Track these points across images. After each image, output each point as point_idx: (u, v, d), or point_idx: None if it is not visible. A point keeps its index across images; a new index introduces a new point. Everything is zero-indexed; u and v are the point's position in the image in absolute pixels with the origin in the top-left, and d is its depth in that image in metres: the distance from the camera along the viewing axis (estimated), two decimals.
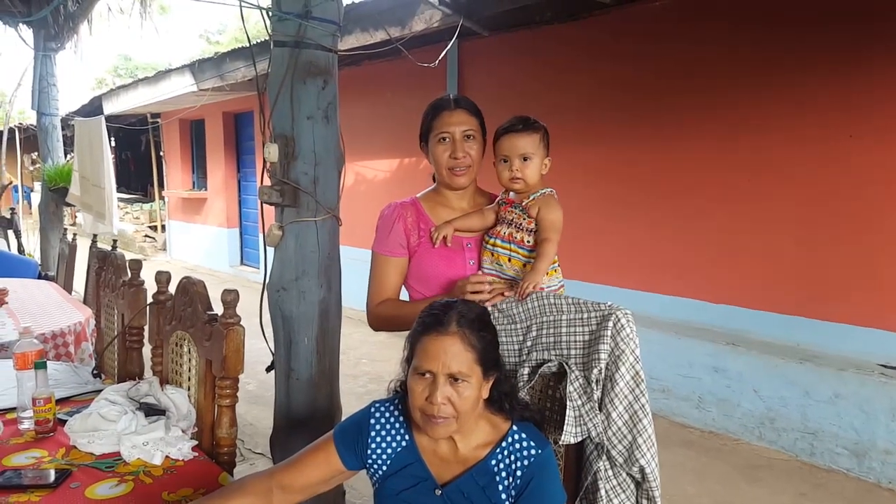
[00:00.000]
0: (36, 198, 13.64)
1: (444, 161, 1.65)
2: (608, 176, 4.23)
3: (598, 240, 4.23)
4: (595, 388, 1.35)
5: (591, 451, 1.38)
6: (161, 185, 11.04)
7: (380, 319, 1.72)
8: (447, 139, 1.65)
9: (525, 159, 1.58)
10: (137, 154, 13.28)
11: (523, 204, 1.59)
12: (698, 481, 3.10)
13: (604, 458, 1.35)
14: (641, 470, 1.33)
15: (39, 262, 5.51)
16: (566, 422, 1.33)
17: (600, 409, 1.35)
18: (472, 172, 1.68)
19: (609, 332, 1.35)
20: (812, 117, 3.34)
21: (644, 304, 3.99)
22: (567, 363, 1.39)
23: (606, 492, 1.34)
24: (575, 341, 1.41)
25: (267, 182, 2.09)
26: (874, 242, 3.17)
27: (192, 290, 1.73)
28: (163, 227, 11.27)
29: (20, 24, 5.65)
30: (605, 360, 1.35)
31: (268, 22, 2.08)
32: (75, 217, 12.05)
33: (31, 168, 14.39)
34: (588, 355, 1.38)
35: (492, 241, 1.62)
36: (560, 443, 1.35)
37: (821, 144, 3.32)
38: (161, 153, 10.78)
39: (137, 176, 13.86)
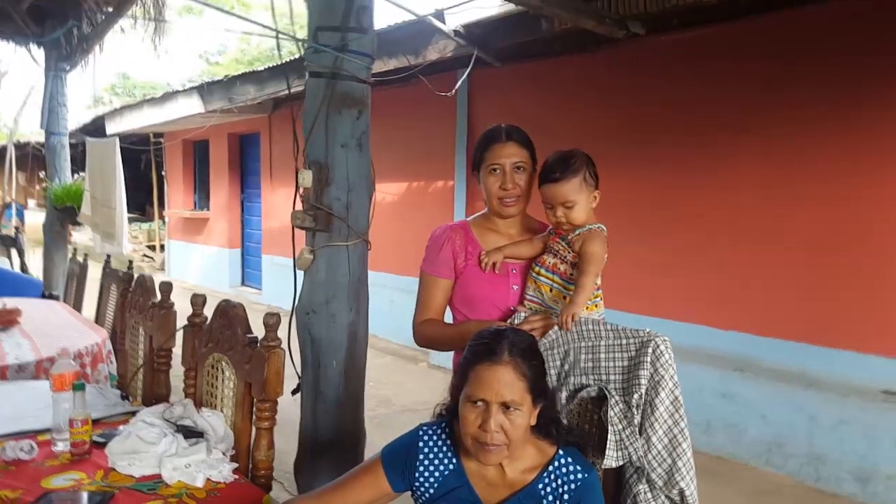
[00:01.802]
0: (28, 215, 13.58)
1: (494, 191, 1.71)
2: (615, 204, 4.29)
3: (607, 266, 4.28)
4: (635, 412, 1.39)
5: (630, 474, 1.42)
6: (161, 205, 11.04)
7: (423, 338, 1.78)
8: (498, 170, 1.70)
9: (567, 205, 1.62)
10: (136, 173, 13.27)
11: (569, 237, 1.64)
12: None
13: (644, 481, 1.39)
14: (681, 493, 1.37)
15: (42, 280, 5.49)
16: (608, 446, 1.37)
17: (640, 434, 1.39)
18: (522, 203, 1.74)
19: (648, 359, 1.40)
20: (822, 146, 3.40)
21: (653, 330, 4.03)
22: (606, 388, 1.44)
23: None
24: (614, 367, 1.45)
25: (299, 207, 2.15)
26: (878, 270, 3.24)
27: (232, 312, 1.76)
28: (161, 246, 11.24)
29: (31, 44, 5.70)
30: (644, 385, 1.39)
31: (303, 52, 2.15)
32: (71, 235, 11.97)
33: (38, 187, 14.37)
34: (628, 381, 1.43)
35: (537, 269, 1.68)
36: (602, 466, 1.39)
37: (830, 174, 3.39)
38: (163, 173, 10.80)
39: (135, 195, 13.84)
